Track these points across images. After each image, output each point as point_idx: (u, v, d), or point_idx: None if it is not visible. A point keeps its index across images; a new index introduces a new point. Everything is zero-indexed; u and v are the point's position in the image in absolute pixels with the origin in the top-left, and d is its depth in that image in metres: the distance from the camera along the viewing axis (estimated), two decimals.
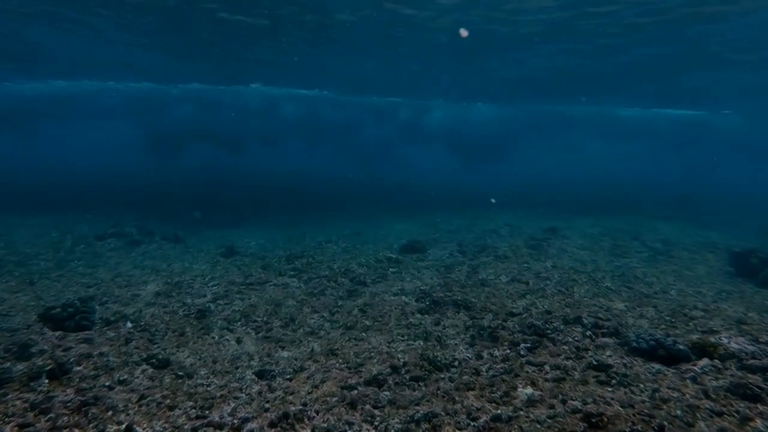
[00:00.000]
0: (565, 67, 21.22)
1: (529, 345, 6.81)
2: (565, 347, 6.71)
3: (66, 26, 16.80)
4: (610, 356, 6.37)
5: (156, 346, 7.05)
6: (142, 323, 7.88)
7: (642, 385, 5.56)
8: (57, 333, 7.25)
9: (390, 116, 45.06)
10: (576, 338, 7.00)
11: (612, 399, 5.27)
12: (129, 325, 7.77)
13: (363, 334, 7.58)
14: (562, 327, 7.44)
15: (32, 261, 11.87)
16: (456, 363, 6.37)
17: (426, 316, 8.37)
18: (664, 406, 5.08)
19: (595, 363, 6.13)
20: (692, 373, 5.78)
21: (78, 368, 6.13)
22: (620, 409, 5.06)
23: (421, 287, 9.96)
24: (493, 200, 23.59)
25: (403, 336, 7.43)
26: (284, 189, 31.35)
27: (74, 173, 37.22)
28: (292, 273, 11.23)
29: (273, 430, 4.90)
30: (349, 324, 8.02)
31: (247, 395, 5.61)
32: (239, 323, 8.07)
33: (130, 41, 18.70)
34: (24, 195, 23.89)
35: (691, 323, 7.78)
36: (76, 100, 37.44)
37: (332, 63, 22.03)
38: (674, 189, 37.55)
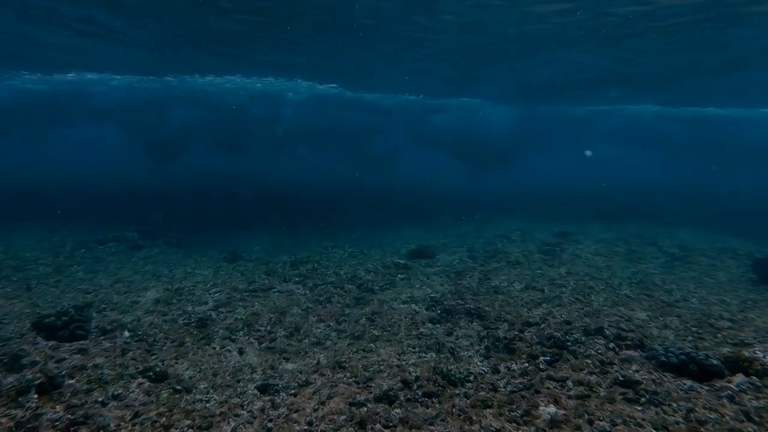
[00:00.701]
0: (584, 70, 20.76)
1: (548, 358, 6.39)
2: (588, 361, 6.29)
3: (74, 24, 16.56)
4: (637, 371, 5.94)
5: (154, 357, 6.68)
6: (140, 332, 7.53)
7: (675, 404, 5.13)
8: (50, 343, 6.90)
9: (396, 116, 44.40)
10: (599, 351, 6.57)
11: (643, 420, 4.85)
12: (126, 334, 7.42)
13: (371, 345, 7.18)
14: (583, 338, 7.02)
15: (31, 265, 11.56)
16: (471, 377, 5.97)
17: (437, 325, 7.97)
18: (702, 429, 4.66)
19: (621, 378, 5.70)
20: (729, 391, 5.34)
21: (70, 381, 5.78)
22: (653, 431, 4.65)
23: (432, 295, 9.56)
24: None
25: (414, 347, 7.03)
26: (289, 192, 31.01)
27: (73, 175, 37.10)
28: (297, 279, 10.86)
29: None
30: (356, 334, 7.63)
31: (248, 413, 5.23)
32: (242, 332, 7.69)
33: (135, 40, 18.44)
34: (24, 198, 23.70)
35: (719, 335, 7.33)
36: (74, 100, 36.97)
37: (343, 61, 21.56)
38: (687, 193, 36.91)
